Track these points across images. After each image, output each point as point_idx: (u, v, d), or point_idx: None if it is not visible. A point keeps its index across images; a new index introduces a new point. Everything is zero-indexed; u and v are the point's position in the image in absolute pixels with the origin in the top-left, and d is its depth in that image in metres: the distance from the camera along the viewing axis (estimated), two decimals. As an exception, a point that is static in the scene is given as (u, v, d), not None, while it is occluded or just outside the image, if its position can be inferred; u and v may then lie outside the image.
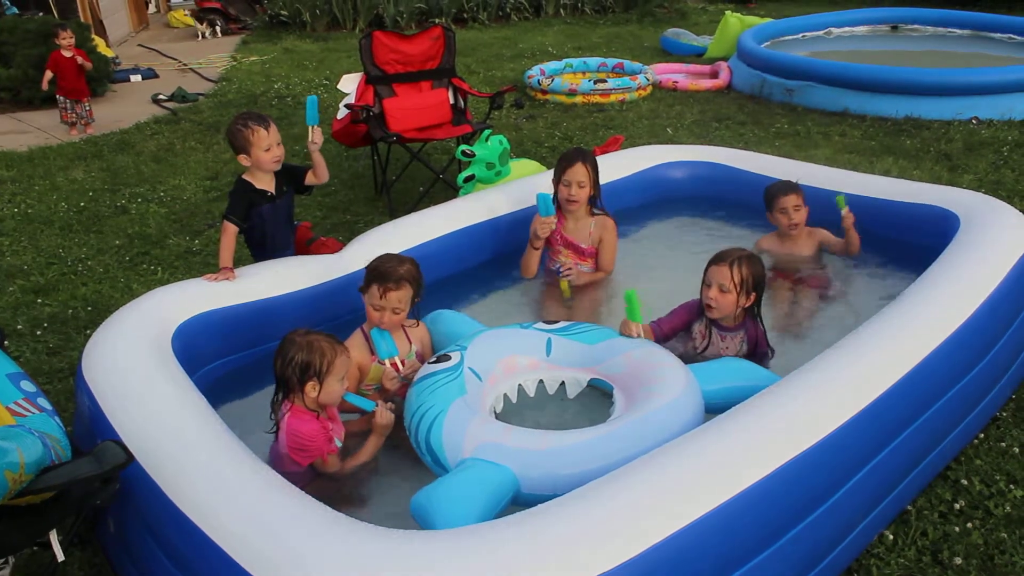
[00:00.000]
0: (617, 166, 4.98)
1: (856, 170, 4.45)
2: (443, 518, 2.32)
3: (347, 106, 5.85)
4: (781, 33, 10.75)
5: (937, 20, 11.33)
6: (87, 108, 8.49)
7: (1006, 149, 6.79)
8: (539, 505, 2.20)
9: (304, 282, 3.73)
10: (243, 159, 3.76)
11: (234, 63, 11.89)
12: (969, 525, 2.93)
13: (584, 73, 9.90)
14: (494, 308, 4.13)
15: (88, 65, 8.40)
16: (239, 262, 3.81)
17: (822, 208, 4.31)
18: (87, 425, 2.89)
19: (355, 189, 6.53)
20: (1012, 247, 3.62)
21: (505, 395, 3.12)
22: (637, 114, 8.41)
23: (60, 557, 2.40)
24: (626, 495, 2.20)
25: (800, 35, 11.01)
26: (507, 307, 4.16)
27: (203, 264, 5.19)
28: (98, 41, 10.70)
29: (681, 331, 3.58)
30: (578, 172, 4.08)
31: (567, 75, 9.69)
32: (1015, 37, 10.43)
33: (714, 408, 2.87)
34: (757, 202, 4.43)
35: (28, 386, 2.70)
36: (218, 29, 14.53)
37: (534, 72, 9.41)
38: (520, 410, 3.14)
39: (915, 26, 11.43)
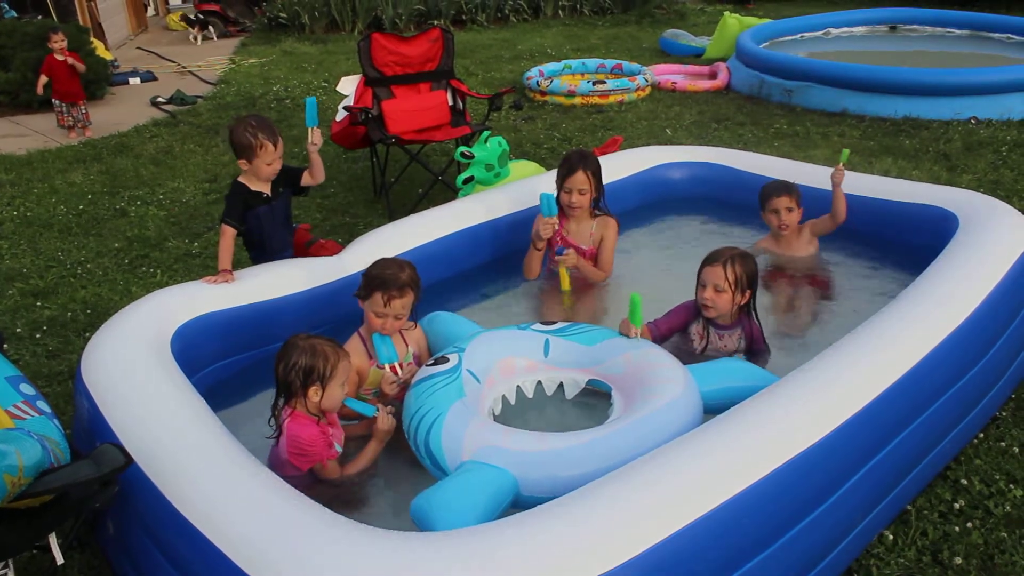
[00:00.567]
0: (616, 167, 4.98)
1: (855, 170, 4.45)
2: (443, 522, 2.31)
3: (346, 108, 5.86)
4: (779, 34, 10.76)
5: (935, 20, 11.35)
6: (83, 111, 8.48)
7: (1005, 149, 6.80)
8: (537, 507, 2.20)
9: (303, 284, 3.73)
10: (242, 163, 3.76)
11: (233, 65, 11.89)
12: (969, 525, 2.93)
13: (583, 74, 9.90)
14: (493, 310, 4.13)
15: (81, 67, 8.39)
16: (238, 264, 3.81)
17: (821, 210, 4.31)
18: (86, 428, 2.89)
19: (354, 191, 6.53)
20: (1011, 247, 3.62)
21: (504, 397, 3.12)
22: (636, 115, 8.42)
23: (59, 560, 2.40)
24: (624, 497, 2.20)
25: (798, 35, 11.02)
26: (506, 309, 4.16)
27: (202, 267, 5.19)
28: (97, 44, 10.70)
29: (678, 331, 3.59)
30: (578, 179, 4.07)
31: (566, 76, 9.70)
32: (1013, 37, 10.44)
33: (712, 408, 2.87)
34: (756, 202, 4.43)
35: (27, 389, 2.70)
36: (210, 32, 14.38)
37: (533, 73, 9.41)
38: (518, 412, 3.14)
39: (913, 26, 11.44)
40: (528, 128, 8.08)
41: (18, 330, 4.51)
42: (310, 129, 3.86)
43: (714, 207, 5.06)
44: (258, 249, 3.98)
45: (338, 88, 6.27)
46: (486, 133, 5.06)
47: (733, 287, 3.35)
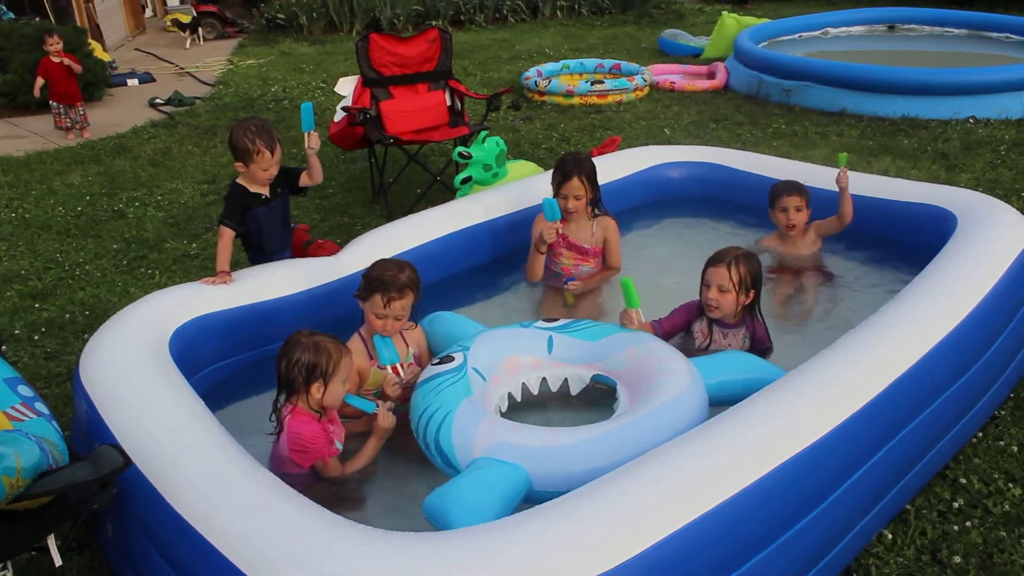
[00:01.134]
0: (614, 167, 4.98)
1: (854, 170, 4.45)
2: (458, 518, 2.32)
3: (344, 109, 5.86)
4: (778, 33, 10.76)
5: (933, 20, 11.35)
6: (81, 112, 8.48)
7: (1003, 148, 6.80)
8: (537, 506, 2.20)
9: (301, 285, 3.73)
10: (239, 166, 3.77)
11: (231, 66, 11.89)
12: (968, 524, 2.93)
13: (581, 74, 9.90)
14: (493, 309, 4.13)
15: (78, 68, 8.39)
16: (236, 265, 3.81)
17: (822, 210, 4.31)
18: (84, 429, 2.89)
19: (352, 192, 6.53)
20: (1009, 245, 3.62)
21: (509, 394, 3.13)
22: (634, 115, 8.42)
23: (58, 562, 2.40)
24: (624, 497, 2.20)
25: (797, 35, 11.02)
26: (506, 308, 4.16)
27: (200, 268, 5.19)
28: (95, 45, 10.70)
29: (681, 331, 3.59)
30: (574, 186, 4.08)
31: (564, 76, 9.70)
32: (1012, 36, 10.45)
33: (718, 401, 2.89)
34: (754, 202, 4.43)
35: (25, 391, 2.69)
36: (197, 39, 14.23)
37: (531, 74, 9.41)
38: (525, 409, 3.15)
39: (912, 26, 11.45)
40: (526, 128, 8.08)
41: (16, 332, 4.50)
42: (307, 134, 3.86)
43: (713, 207, 5.05)
44: (256, 250, 3.99)
45: (336, 89, 6.28)
46: (484, 133, 5.06)
47: (737, 287, 3.35)
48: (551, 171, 4.28)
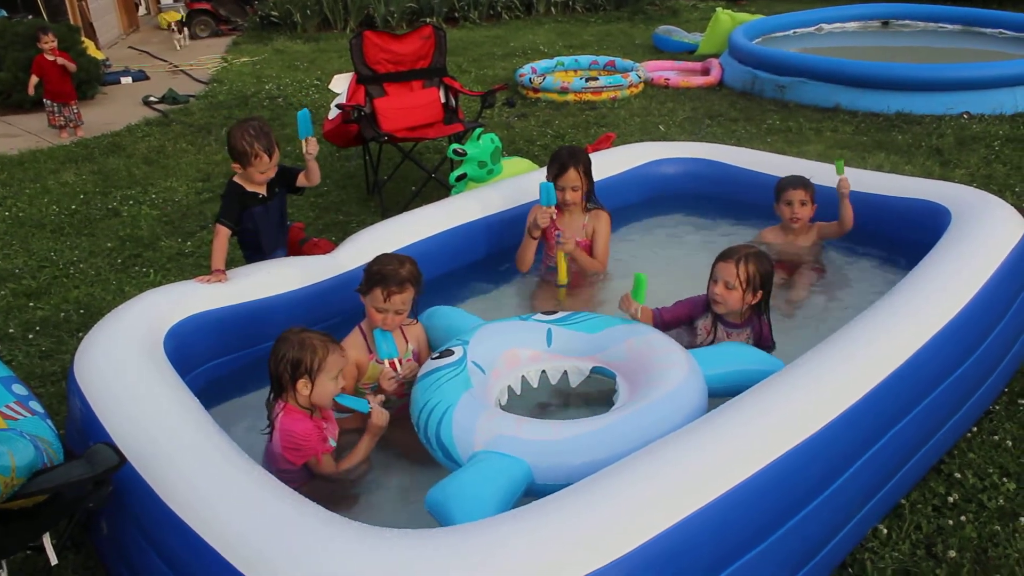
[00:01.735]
0: (609, 163, 4.98)
1: (848, 165, 4.45)
2: (460, 512, 2.32)
3: (338, 106, 5.85)
4: (772, 29, 10.77)
5: (927, 15, 11.36)
6: (75, 111, 8.46)
7: (997, 143, 6.81)
8: (534, 502, 2.20)
9: (296, 283, 3.72)
10: (236, 167, 3.76)
11: (225, 64, 11.86)
12: (963, 518, 2.93)
13: (576, 71, 9.90)
14: (488, 304, 4.13)
15: (72, 67, 8.36)
16: (231, 263, 3.80)
17: (822, 208, 4.32)
18: (79, 428, 2.88)
19: (347, 189, 6.53)
20: (1003, 240, 3.63)
21: (509, 387, 3.13)
22: (629, 111, 8.42)
23: (53, 560, 2.39)
24: (627, 490, 2.20)
25: (791, 31, 11.04)
26: (501, 303, 4.17)
27: (195, 266, 5.18)
28: (88, 43, 10.66)
29: (684, 323, 3.57)
30: (570, 177, 4.09)
31: (558, 73, 9.70)
32: (1005, 32, 10.48)
33: (717, 392, 2.90)
34: (749, 198, 4.43)
35: (20, 390, 2.68)
36: (184, 37, 14.01)
37: (525, 70, 9.41)
38: (525, 401, 3.15)
39: (906, 21, 11.47)
40: (521, 125, 8.08)
41: (11, 331, 4.49)
42: (304, 140, 3.85)
43: (707, 203, 5.06)
44: (253, 248, 3.98)
45: (330, 86, 6.26)
46: (479, 130, 5.05)
47: (744, 285, 3.32)
48: (546, 167, 4.29)
